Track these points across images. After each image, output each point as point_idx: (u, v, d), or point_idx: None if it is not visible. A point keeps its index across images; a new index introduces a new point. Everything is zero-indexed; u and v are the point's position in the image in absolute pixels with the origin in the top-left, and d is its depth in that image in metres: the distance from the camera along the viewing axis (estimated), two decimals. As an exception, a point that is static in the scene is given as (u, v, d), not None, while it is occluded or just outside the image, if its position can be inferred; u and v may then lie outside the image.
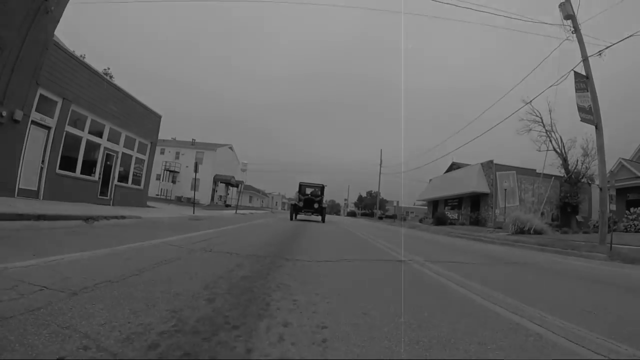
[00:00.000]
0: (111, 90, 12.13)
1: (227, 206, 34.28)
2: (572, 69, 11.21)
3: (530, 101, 19.17)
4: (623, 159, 26.95)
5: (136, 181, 13.89)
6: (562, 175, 29.00)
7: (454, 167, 32.12)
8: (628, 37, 10.63)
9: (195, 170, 14.56)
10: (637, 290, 4.14)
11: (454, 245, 9.34)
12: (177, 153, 39.09)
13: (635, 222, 21.52)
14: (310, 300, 2.11)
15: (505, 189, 20.13)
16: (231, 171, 40.71)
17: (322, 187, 17.83)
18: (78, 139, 10.72)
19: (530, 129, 27.11)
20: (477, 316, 2.10)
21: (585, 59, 11.70)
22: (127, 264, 2.78)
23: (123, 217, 7.93)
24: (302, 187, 17.45)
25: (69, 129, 10.21)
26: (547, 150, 27.44)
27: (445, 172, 33.29)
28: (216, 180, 38.12)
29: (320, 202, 16.40)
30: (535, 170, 28.98)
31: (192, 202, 30.82)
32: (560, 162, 28.40)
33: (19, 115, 8.52)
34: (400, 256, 5.12)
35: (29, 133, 8.98)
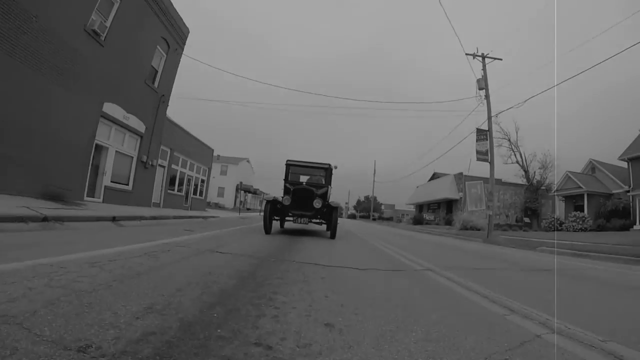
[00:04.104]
0: (189, 138, 19.38)
1: (248, 210, 41.52)
2: (477, 127, 17.90)
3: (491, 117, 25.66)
4: (569, 171, 32.93)
5: (201, 194, 21.23)
6: (525, 184, 35.37)
7: (435, 176, 38.63)
8: (509, 108, 17.25)
9: (239, 187, 21.71)
10: (469, 252, 8.14)
11: (390, 232, 16.06)
12: (205, 165, 46.71)
13: (574, 224, 27.13)
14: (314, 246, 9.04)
15: (461, 197, 26.61)
16: (248, 180, 48.10)
17: (326, 170, 10.04)
18: (175, 171, 18.01)
19: (500, 145, 33.60)
20: (381, 253, 8.96)
21: (489, 118, 18.37)
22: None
23: (214, 217, 15.01)
24: (290, 169, 9.89)
25: (173, 166, 17.48)
26: (512, 162, 34.18)
27: (428, 180, 39.84)
28: (238, 188, 45.57)
29: (324, 196, 9.26)
30: (501, 179, 35.59)
31: (219, 206, 38.21)
32: (523, 173, 34.91)
33: (154, 162, 15.75)
34: (368, 240, 12.02)
35: (156, 171, 16.19)
